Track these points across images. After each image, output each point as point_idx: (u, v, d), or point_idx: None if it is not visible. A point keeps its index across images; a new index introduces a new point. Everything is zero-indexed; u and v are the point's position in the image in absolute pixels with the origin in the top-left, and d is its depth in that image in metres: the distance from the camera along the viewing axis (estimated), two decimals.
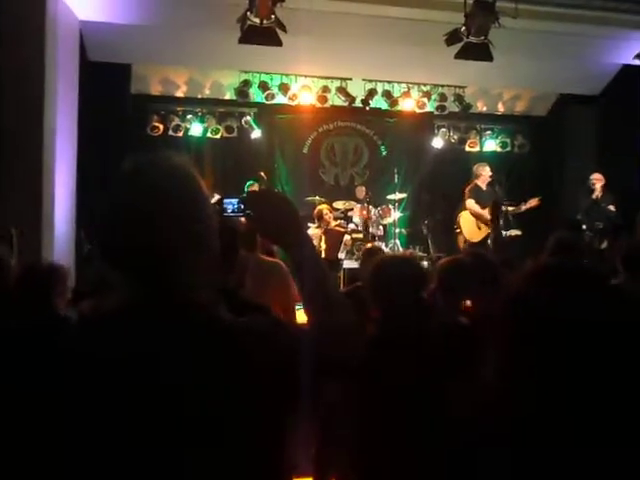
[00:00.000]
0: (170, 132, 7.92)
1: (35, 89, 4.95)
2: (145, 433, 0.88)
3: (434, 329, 1.74)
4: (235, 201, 1.20)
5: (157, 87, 7.92)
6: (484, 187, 6.58)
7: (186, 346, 0.91)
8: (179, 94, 8.03)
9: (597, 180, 6.52)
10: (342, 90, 7.73)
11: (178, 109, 8.00)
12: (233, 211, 1.20)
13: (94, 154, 6.40)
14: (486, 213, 6.33)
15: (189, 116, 8.01)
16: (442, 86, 7.94)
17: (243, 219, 1.44)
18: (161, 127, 7.85)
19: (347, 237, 7.18)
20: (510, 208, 6.48)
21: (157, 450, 0.88)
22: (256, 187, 7.38)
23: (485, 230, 6.44)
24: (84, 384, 0.89)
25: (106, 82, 6.72)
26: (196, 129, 8.05)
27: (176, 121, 7.93)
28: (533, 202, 6.50)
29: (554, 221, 6.80)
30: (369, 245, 5.88)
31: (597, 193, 6.49)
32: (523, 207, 6.50)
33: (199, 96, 8.06)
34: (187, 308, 0.94)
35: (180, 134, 7.99)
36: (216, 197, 6.19)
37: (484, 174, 6.58)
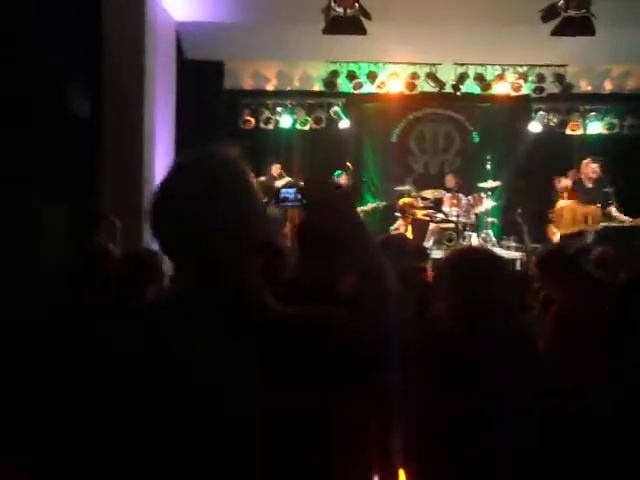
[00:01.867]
0: (261, 125, 8.15)
1: (135, 88, 5.29)
2: (202, 425, 0.91)
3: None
4: (292, 190, 1.19)
5: (249, 82, 8.16)
6: (589, 184, 6.11)
7: (238, 336, 0.93)
8: (269, 87, 8.23)
9: None
10: (431, 76, 7.52)
11: (268, 102, 8.20)
12: (291, 200, 1.20)
13: (190, 148, 6.72)
14: (585, 210, 5.90)
15: (279, 109, 8.19)
16: (540, 66, 7.47)
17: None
18: (252, 121, 8.09)
19: (433, 225, 7.01)
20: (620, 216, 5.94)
21: (214, 440, 0.91)
22: (344, 177, 7.43)
23: (580, 226, 5.98)
24: (140, 378, 0.94)
25: (201, 79, 7.04)
26: (286, 121, 8.21)
27: (267, 114, 8.14)
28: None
29: None
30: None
31: None
32: (628, 221, 5.90)
33: (288, 88, 8.20)
34: (239, 297, 0.97)
35: (271, 127, 8.20)
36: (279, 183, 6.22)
37: (588, 171, 6.10)
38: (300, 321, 0.96)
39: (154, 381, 0.94)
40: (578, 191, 6.08)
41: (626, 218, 5.99)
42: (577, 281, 2.25)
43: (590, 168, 6.07)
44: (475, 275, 1.66)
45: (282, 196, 1.20)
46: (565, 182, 6.20)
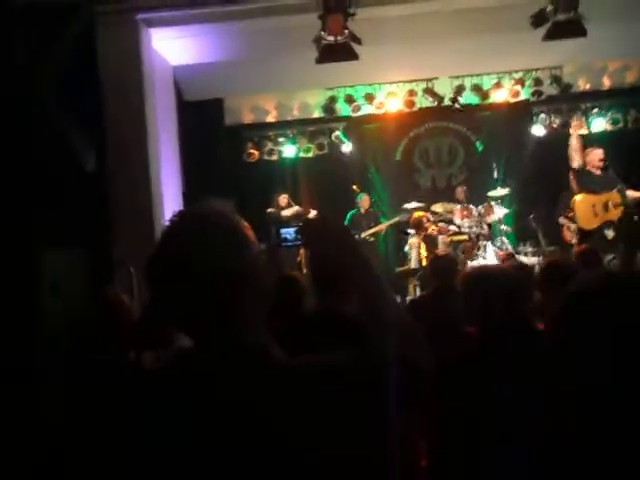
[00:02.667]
0: (265, 157, 8.22)
1: (138, 135, 5.38)
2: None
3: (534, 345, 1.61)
4: (292, 230, 1.19)
5: (249, 115, 8.27)
6: (597, 172, 6.02)
7: (245, 391, 0.92)
8: (270, 119, 8.32)
9: None
10: (429, 91, 7.57)
11: (270, 134, 8.28)
12: (291, 240, 1.19)
13: (196, 187, 6.81)
14: (602, 198, 5.79)
15: (281, 139, 8.27)
16: (536, 70, 7.49)
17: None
18: (256, 153, 8.17)
19: (442, 237, 6.94)
20: (632, 193, 5.83)
21: None
22: (366, 199, 7.45)
23: (602, 217, 5.87)
24: (149, 434, 0.93)
25: (202, 118, 7.15)
26: (289, 150, 8.28)
27: (269, 145, 8.22)
28: None
29: None
30: (438, 252, 5.60)
31: None
32: None
33: (289, 118, 8.29)
34: (243, 352, 0.95)
35: (274, 157, 8.27)
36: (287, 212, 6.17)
37: (593, 159, 6.03)
38: (303, 375, 0.94)
39: (156, 448, 0.92)
40: (588, 182, 5.97)
41: None
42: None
43: (596, 155, 5.96)
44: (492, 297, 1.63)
45: (282, 237, 1.20)
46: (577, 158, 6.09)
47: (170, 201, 5.89)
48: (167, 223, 1.02)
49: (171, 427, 0.92)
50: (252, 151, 8.16)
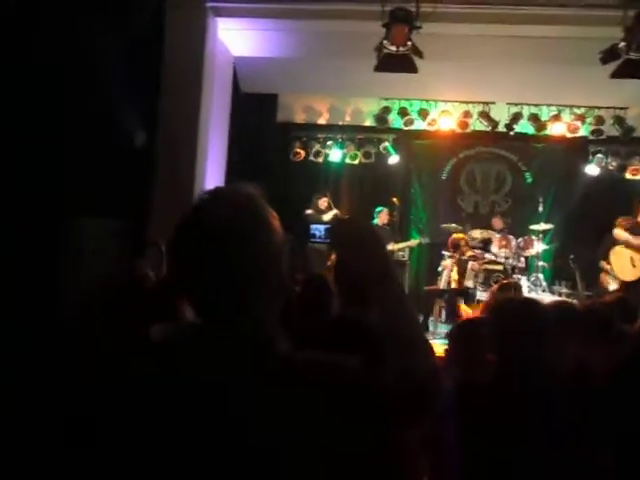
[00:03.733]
0: (311, 157, 8.24)
1: (191, 120, 5.47)
2: (208, 464, 0.88)
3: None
4: (322, 228, 1.18)
5: (301, 115, 8.31)
6: None
7: (238, 383, 0.90)
8: (321, 121, 8.34)
9: None
10: (484, 114, 7.45)
11: (319, 136, 8.30)
12: (320, 237, 1.18)
13: (241, 179, 6.85)
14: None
15: (329, 142, 8.27)
16: (599, 108, 7.27)
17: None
18: (302, 153, 8.20)
19: (473, 263, 6.80)
20: None
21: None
22: (385, 213, 7.39)
23: None
24: (152, 411, 0.92)
25: (255, 112, 7.23)
26: (335, 155, 8.28)
27: (317, 147, 8.23)
28: None
29: None
30: (505, 280, 5.49)
31: None
32: None
33: (340, 123, 8.29)
34: (247, 340, 0.94)
35: (320, 160, 8.28)
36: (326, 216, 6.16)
37: None
38: (306, 371, 0.91)
39: (152, 426, 0.91)
40: (632, 229, 5.78)
41: None
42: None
43: None
44: (524, 330, 1.58)
45: (312, 232, 1.18)
46: (619, 234, 5.90)
47: (212, 187, 5.96)
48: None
49: (166, 401, 0.91)
50: (299, 150, 8.19)
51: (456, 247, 6.92)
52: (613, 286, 5.89)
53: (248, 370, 0.91)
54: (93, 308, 2.17)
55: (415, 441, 1.58)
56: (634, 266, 5.73)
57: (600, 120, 7.30)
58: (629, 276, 5.73)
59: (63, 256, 2.57)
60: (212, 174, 5.94)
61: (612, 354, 1.85)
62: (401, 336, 0.95)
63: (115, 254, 3.47)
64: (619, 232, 5.85)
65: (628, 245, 5.75)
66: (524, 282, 6.89)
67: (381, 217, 7.36)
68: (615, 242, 5.92)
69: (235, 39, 6.29)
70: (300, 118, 8.33)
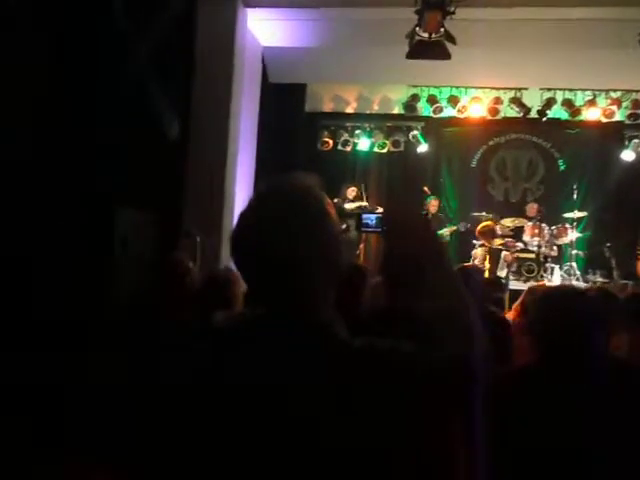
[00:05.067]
0: (339, 147, 8.22)
1: (222, 110, 5.51)
2: (274, 460, 0.90)
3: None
4: (374, 217, 1.18)
5: (329, 104, 8.28)
6: None
7: (302, 368, 0.92)
8: (349, 110, 8.30)
9: None
10: (516, 100, 7.31)
11: (347, 125, 8.26)
12: (372, 226, 1.18)
13: (270, 168, 6.91)
14: None
15: (357, 131, 8.24)
16: (636, 92, 7.07)
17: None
18: (330, 142, 8.18)
19: (506, 253, 6.71)
20: None
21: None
22: (434, 202, 7.35)
23: None
24: (207, 405, 0.94)
25: (284, 101, 7.23)
26: (364, 144, 8.24)
27: (345, 136, 8.21)
28: None
29: None
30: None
31: None
32: None
33: (368, 112, 8.24)
34: (310, 328, 0.95)
35: (348, 149, 8.25)
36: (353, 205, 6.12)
37: None
38: (369, 356, 0.92)
39: (204, 411, 0.93)
40: None
41: None
42: None
43: None
44: (573, 323, 1.56)
45: (364, 222, 1.19)
46: None
47: (243, 177, 6.01)
48: (257, 191, 1.04)
49: (230, 390, 0.93)
50: (327, 140, 8.18)
51: (486, 235, 6.84)
52: None
53: (310, 357, 0.92)
54: (141, 299, 2.22)
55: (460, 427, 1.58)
56: None
57: (637, 104, 7.11)
58: None
59: (107, 245, 2.63)
60: (242, 164, 5.98)
61: None
62: (456, 321, 0.96)
63: (153, 245, 3.54)
64: None
65: None
66: (557, 271, 6.79)
67: (431, 207, 7.34)
68: None
69: (264, 29, 6.29)
70: (328, 107, 8.30)
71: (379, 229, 1.16)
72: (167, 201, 4.90)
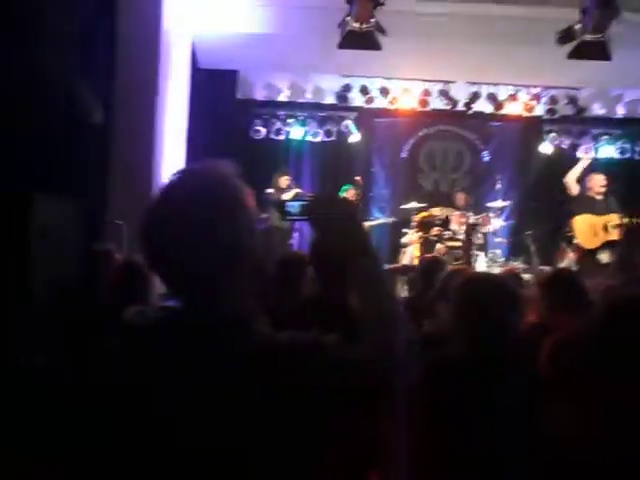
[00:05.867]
0: (272, 135, 8.15)
1: (148, 96, 5.31)
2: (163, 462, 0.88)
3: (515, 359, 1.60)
4: (297, 204, 1.16)
5: (261, 92, 8.18)
6: (598, 197, 6.06)
7: (218, 364, 0.89)
8: (282, 98, 8.24)
9: None
10: (444, 93, 7.53)
11: (280, 113, 8.21)
12: (296, 215, 1.17)
13: (201, 156, 6.74)
14: (601, 220, 5.85)
15: (290, 120, 8.20)
16: (553, 88, 7.46)
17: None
18: (263, 130, 8.10)
19: (440, 246, 6.94)
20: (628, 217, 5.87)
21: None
22: (351, 192, 7.40)
23: (603, 237, 5.91)
24: (115, 405, 0.91)
25: (215, 88, 7.07)
26: (296, 133, 8.22)
27: (277, 125, 8.15)
28: None
29: None
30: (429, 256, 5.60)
31: None
32: None
33: (300, 100, 8.21)
34: (227, 321, 0.93)
35: (281, 137, 8.21)
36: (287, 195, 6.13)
37: (595, 185, 6.05)
38: (290, 349, 0.91)
39: (119, 409, 0.90)
40: (588, 207, 6.01)
41: None
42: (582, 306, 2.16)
43: (598, 181, 6.00)
44: (491, 306, 1.62)
45: (287, 210, 1.17)
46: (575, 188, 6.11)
47: (172, 165, 5.83)
48: (168, 180, 0.99)
49: (140, 387, 0.90)
50: (259, 128, 8.09)
51: (423, 225, 7.03)
52: (567, 262, 6.11)
53: (227, 352, 0.89)
54: (62, 288, 2.10)
55: (387, 415, 1.61)
56: (596, 235, 5.94)
57: (555, 100, 7.51)
58: (591, 244, 5.94)
59: (28, 231, 2.47)
60: (172, 151, 5.81)
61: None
62: (380, 312, 0.96)
63: (76, 235, 3.36)
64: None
65: (591, 222, 5.91)
66: (482, 258, 7.08)
67: (348, 196, 7.37)
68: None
69: (193, 13, 6.11)
70: (260, 95, 8.20)
71: (303, 218, 1.14)
72: (92, 189, 4.68)
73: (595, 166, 7.32)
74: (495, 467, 1.46)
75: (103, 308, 2.11)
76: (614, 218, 5.84)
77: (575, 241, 6.01)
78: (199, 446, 0.86)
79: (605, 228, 5.86)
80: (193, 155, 6.51)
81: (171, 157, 5.81)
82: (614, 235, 5.84)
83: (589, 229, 5.94)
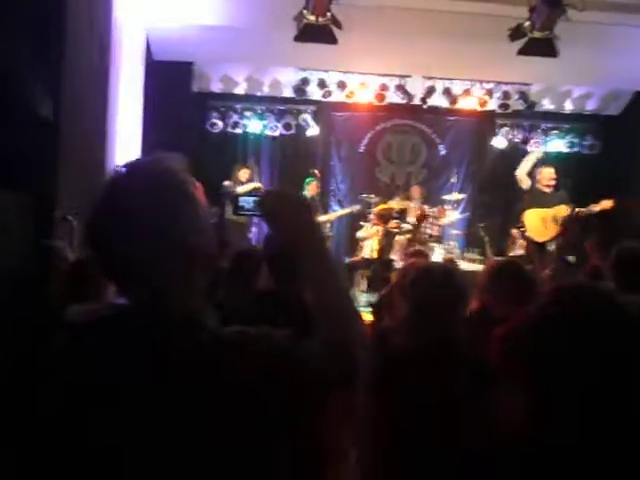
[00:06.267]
0: (229, 129, 8.07)
1: (99, 88, 5.16)
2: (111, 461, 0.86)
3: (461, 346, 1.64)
4: (251, 200, 1.16)
5: (218, 85, 8.07)
6: (546, 190, 6.27)
7: (160, 360, 0.88)
8: (239, 91, 8.16)
9: None
10: (401, 88, 7.61)
11: (237, 106, 8.13)
12: (248, 210, 1.17)
13: (157, 150, 6.59)
14: (550, 212, 6.07)
15: (248, 113, 8.13)
16: (506, 83, 7.66)
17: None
18: (220, 124, 8.00)
19: (400, 237, 7.05)
20: (580, 209, 6.11)
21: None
22: (314, 185, 7.42)
23: (553, 229, 6.12)
24: (53, 405, 0.89)
25: (170, 80, 6.92)
26: (254, 126, 8.16)
27: (235, 118, 8.07)
28: (606, 204, 6.01)
29: (624, 229, 6.41)
30: (416, 247, 5.72)
31: None
32: (595, 208, 6.05)
33: (258, 94, 8.15)
34: (173, 319, 0.91)
35: (239, 131, 8.13)
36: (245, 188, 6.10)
37: (545, 178, 6.26)
38: (238, 346, 0.90)
39: (57, 408, 0.88)
40: (538, 200, 6.21)
41: (591, 208, 6.02)
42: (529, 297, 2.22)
43: (547, 174, 6.20)
44: (438, 298, 1.65)
45: (240, 204, 1.17)
46: (526, 181, 6.30)
47: (125, 159, 5.69)
48: (115, 173, 0.96)
49: (88, 383, 0.88)
50: (216, 121, 7.99)
51: (382, 218, 7.10)
52: (520, 252, 6.30)
53: (173, 349, 0.88)
54: (8, 285, 2.03)
55: (340, 411, 1.63)
56: (546, 228, 6.15)
57: (507, 95, 7.70)
58: (542, 237, 6.15)
59: None
60: (125, 145, 5.67)
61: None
62: (332, 307, 0.96)
63: (24, 229, 3.24)
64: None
65: (540, 215, 6.11)
66: (438, 250, 7.22)
67: (310, 188, 7.37)
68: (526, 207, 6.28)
69: (147, 4, 5.96)
70: (217, 88, 8.09)
71: (256, 213, 1.14)
72: (41, 184, 4.52)
73: (545, 160, 7.60)
74: (449, 454, 1.51)
75: (52, 306, 2.05)
76: (563, 210, 6.05)
77: (526, 234, 6.20)
78: (146, 445, 0.85)
79: (555, 220, 6.07)
80: (148, 149, 6.38)
81: (125, 151, 5.67)
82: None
83: (540, 223, 6.15)
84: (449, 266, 1.92)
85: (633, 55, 6.34)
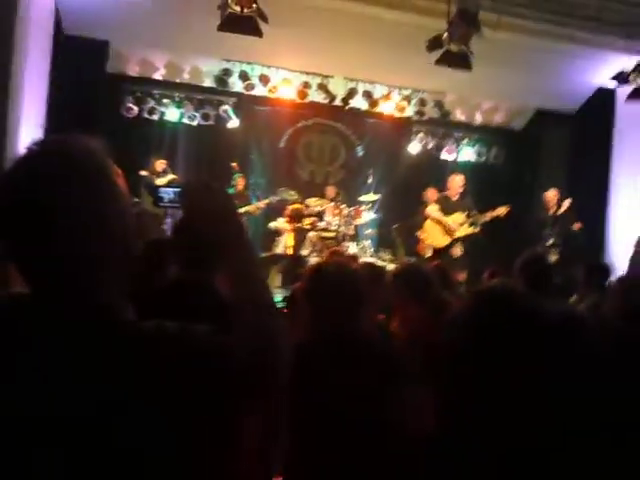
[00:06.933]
0: (145, 115, 7.75)
1: (3, 59, 4.77)
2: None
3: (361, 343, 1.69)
4: (171, 191, 1.14)
5: (135, 68, 7.73)
6: (453, 197, 6.63)
7: (66, 351, 0.83)
8: (157, 76, 7.86)
9: (551, 197, 6.70)
10: (323, 87, 7.68)
11: (155, 92, 7.82)
12: (169, 201, 1.14)
13: (61, 128, 6.19)
14: (449, 219, 6.43)
15: (165, 100, 7.85)
16: (422, 91, 7.96)
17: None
18: (136, 109, 7.67)
19: (312, 234, 7.13)
20: (476, 214, 6.54)
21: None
22: (242, 179, 7.32)
23: (451, 235, 6.49)
24: None
25: (82, 58, 6.52)
26: (172, 114, 7.90)
27: (152, 104, 7.76)
28: (501, 210, 6.54)
29: (522, 234, 6.91)
30: (336, 248, 5.84)
31: (552, 209, 6.68)
32: (489, 215, 6.53)
33: (178, 80, 7.89)
34: (86, 311, 0.86)
35: (155, 118, 7.83)
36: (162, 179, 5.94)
37: (455, 186, 6.62)
38: (154, 339, 0.86)
39: None
40: (446, 206, 6.57)
41: (487, 214, 6.53)
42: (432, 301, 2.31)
43: (458, 182, 6.59)
44: (337, 297, 1.69)
45: (160, 195, 1.14)
46: (431, 211, 6.67)
47: (29, 138, 5.30)
48: (24, 151, 0.87)
49: None
50: (132, 106, 7.64)
51: (296, 217, 7.14)
52: (429, 253, 6.60)
53: (86, 342, 0.84)
54: None
55: (260, 407, 1.63)
56: (445, 234, 6.51)
57: (423, 102, 8.01)
58: (440, 242, 6.49)
59: None
60: (29, 126, 5.27)
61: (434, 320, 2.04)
62: (254, 297, 0.96)
63: None
64: (432, 209, 6.58)
65: (439, 222, 6.48)
66: (353, 248, 7.39)
67: (238, 184, 7.26)
68: (427, 216, 6.64)
69: None
70: (134, 71, 7.74)
71: (177, 205, 1.12)
72: None
73: (456, 167, 8.00)
74: (355, 449, 1.54)
75: None
76: (460, 217, 6.46)
77: (427, 242, 6.58)
78: (55, 444, 0.81)
79: (453, 227, 6.46)
80: (55, 130, 5.97)
81: (28, 134, 5.28)
82: (461, 232, 6.46)
83: (439, 230, 6.53)
84: (346, 265, 1.93)
85: (537, 76, 6.84)
